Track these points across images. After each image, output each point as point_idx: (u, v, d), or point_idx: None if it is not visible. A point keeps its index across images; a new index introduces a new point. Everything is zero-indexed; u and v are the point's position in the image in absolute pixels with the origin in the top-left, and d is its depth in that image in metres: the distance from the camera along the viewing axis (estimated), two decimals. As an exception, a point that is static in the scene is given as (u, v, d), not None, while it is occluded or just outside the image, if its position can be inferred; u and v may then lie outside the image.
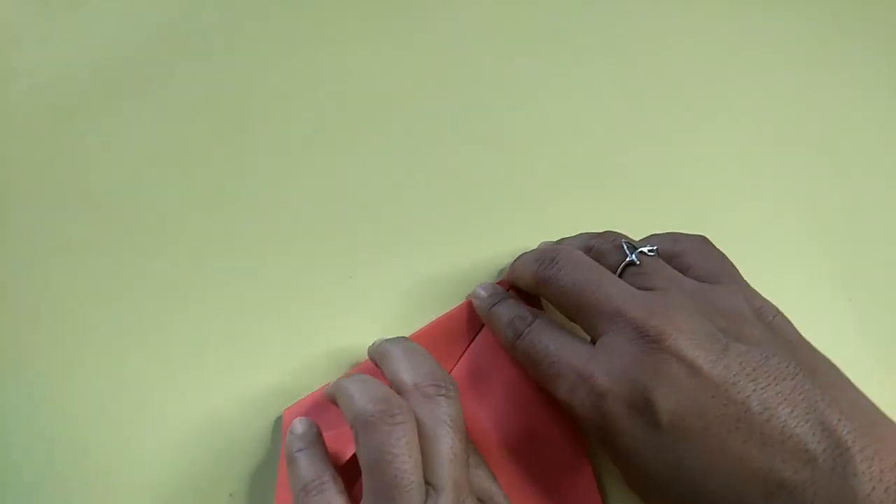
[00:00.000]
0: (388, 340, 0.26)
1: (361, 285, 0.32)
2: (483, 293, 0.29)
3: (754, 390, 0.20)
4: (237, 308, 0.31)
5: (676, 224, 0.33)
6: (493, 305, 0.28)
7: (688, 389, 0.20)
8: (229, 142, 0.38)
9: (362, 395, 0.22)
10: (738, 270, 0.25)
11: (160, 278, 0.32)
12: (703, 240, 0.26)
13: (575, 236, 0.29)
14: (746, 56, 0.42)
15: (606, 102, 0.39)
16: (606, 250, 0.26)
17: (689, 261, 0.25)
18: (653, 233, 0.28)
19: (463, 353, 0.29)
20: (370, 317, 0.31)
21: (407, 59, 0.41)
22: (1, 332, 0.31)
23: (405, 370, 0.23)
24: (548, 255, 0.26)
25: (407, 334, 0.30)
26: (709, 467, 0.19)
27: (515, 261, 0.29)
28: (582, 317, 0.24)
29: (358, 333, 0.30)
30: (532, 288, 0.27)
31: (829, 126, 0.39)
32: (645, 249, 0.25)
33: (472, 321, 0.30)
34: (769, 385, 0.20)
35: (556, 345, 0.24)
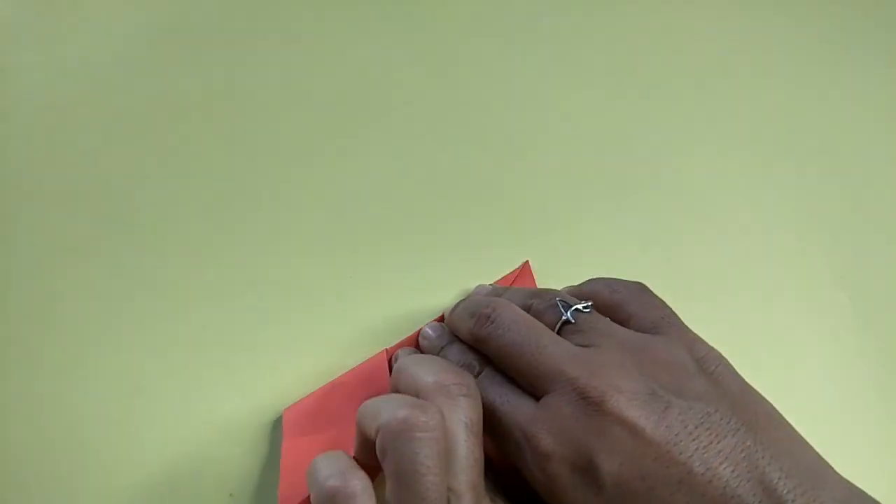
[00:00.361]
0: (397, 362, 0.26)
1: (361, 285, 0.32)
2: (431, 333, 0.28)
3: (696, 450, 0.20)
4: (237, 308, 0.31)
5: (677, 224, 0.33)
6: (441, 349, 0.27)
7: (630, 452, 0.20)
8: (229, 141, 0.38)
9: (391, 401, 0.21)
10: (678, 318, 0.25)
11: (160, 278, 0.32)
12: (641, 288, 0.26)
13: (514, 291, 0.28)
14: (746, 56, 0.42)
15: (606, 103, 0.39)
16: (543, 310, 0.25)
17: (630, 310, 0.25)
18: (594, 279, 0.28)
19: None
20: (370, 316, 0.31)
21: (407, 60, 0.41)
22: (1, 332, 0.31)
23: (425, 371, 0.23)
24: (484, 311, 0.25)
25: (407, 334, 0.30)
26: None
27: (452, 311, 0.28)
28: (524, 378, 0.24)
29: (358, 333, 0.30)
30: (469, 342, 0.26)
31: (829, 126, 0.39)
32: (580, 306, 0.25)
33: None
34: (710, 444, 0.20)
35: (501, 400, 0.23)
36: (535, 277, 0.31)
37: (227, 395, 0.29)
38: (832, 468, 0.21)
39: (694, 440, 0.20)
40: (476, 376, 0.25)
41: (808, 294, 0.32)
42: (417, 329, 0.30)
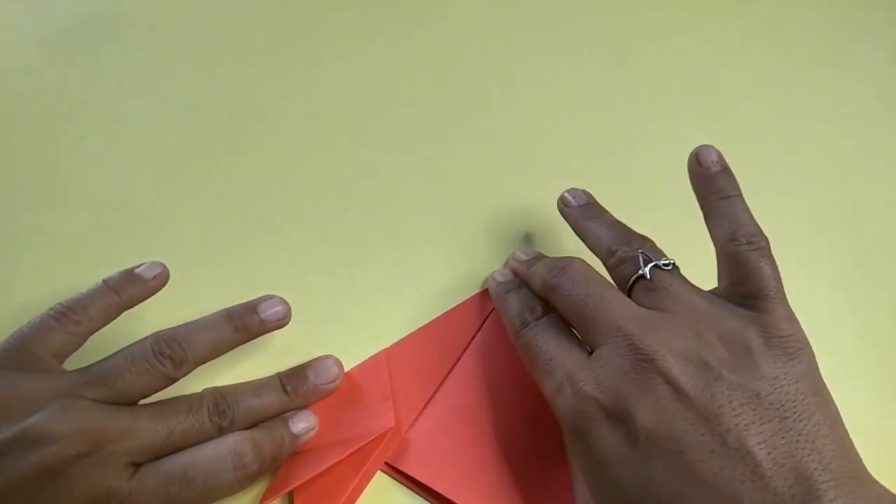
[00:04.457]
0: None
1: (361, 285, 0.32)
2: (500, 278, 0.29)
3: (736, 426, 0.20)
4: (237, 308, 0.31)
5: (676, 223, 0.33)
6: (507, 292, 0.28)
7: (669, 411, 0.20)
8: (229, 142, 0.38)
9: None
10: (782, 294, 0.24)
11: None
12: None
13: (612, 224, 0.28)
14: (746, 57, 0.42)
15: (606, 101, 0.39)
16: (626, 258, 0.26)
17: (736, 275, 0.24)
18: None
19: (467, 347, 0.29)
20: (370, 316, 0.31)
21: (406, 60, 0.41)
22: (1, 332, 0.31)
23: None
24: (559, 264, 0.26)
25: (408, 332, 0.30)
26: (677, 491, 0.20)
27: (529, 263, 0.29)
28: (583, 328, 0.24)
29: (358, 333, 0.30)
30: (540, 292, 0.27)
31: (829, 126, 0.39)
32: (661, 263, 0.25)
33: (474, 317, 0.30)
34: (752, 423, 0.20)
35: (555, 344, 0.24)
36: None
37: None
38: (873, 479, 0.20)
39: (736, 416, 0.20)
40: (537, 319, 0.26)
41: (808, 294, 0.32)
42: (417, 329, 0.30)
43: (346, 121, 0.38)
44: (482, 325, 0.30)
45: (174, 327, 0.26)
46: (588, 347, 0.24)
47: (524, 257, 0.30)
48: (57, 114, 0.39)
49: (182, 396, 0.25)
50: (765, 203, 0.36)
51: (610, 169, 0.36)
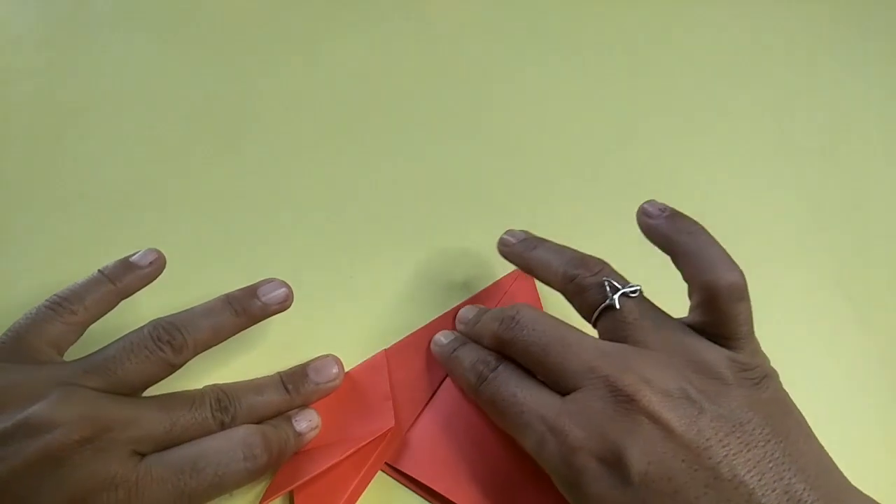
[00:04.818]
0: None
1: (361, 285, 0.32)
2: (443, 340, 0.28)
3: (725, 456, 0.20)
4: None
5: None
6: (454, 351, 0.27)
7: (660, 451, 0.20)
8: (229, 142, 0.38)
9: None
10: (751, 327, 0.24)
11: (160, 279, 0.32)
12: None
13: (559, 249, 0.27)
14: (746, 57, 0.42)
15: (606, 101, 0.39)
16: (588, 286, 0.25)
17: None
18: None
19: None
20: (370, 316, 0.31)
21: (408, 60, 0.41)
22: (1, 332, 0.31)
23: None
24: (507, 313, 0.25)
25: (408, 332, 0.30)
26: None
27: (474, 319, 0.28)
28: (551, 376, 0.23)
29: (358, 333, 0.30)
30: (493, 347, 0.26)
31: (829, 126, 0.39)
32: (629, 290, 0.24)
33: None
34: (740, 452, 0.20)
35: (522, 392, 0.23)
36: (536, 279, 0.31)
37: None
38: (854, 486, 0.21)
39: (724, 447, 0.20)
40: (494, 370, 0.25)
41: (808, 294, 0.32)
42: (417, 329, 0.30)
43: (346, 121, 0.38)
44: None
45: (173, 314, 0.25)
46: (559, 392, 0.23)
47: (468, 316, 0.28)
48: (57, 114, 0.39)
49: (184, 391, 0.25)
50: (765, 203, 0.36)
51: (611, 169, 0.36)
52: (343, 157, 0.37)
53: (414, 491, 0.26)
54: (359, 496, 0.26)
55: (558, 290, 0.26)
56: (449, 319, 0.31)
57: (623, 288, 0.24)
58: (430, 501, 0.26)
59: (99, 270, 0.26)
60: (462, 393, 0.28)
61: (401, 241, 0.34)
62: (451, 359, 0.27)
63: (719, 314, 0.23)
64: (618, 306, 0.24)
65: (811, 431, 0.22)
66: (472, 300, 0.31)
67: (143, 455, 0.22)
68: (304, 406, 0.27)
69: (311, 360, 0.28)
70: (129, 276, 0.27)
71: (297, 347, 0.30)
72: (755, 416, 0.21)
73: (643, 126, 0.38)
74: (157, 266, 0.27)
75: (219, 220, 0.34)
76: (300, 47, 0.42)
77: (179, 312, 0.25)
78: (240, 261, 0.33)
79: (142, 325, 0.25)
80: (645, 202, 0.26)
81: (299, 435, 0.26)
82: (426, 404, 0.28)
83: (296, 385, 0.27)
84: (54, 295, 0.25)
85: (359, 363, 0.29)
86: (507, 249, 0.29)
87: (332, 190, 0.35)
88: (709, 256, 0.24)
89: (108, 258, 0.33)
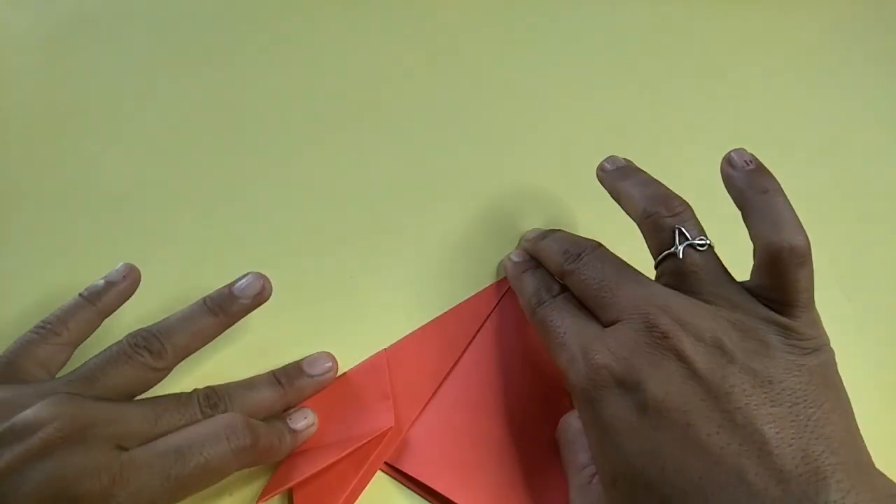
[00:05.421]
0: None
1: (361, 285, 0.32)
2: (515, 258, 0.30)
3: (746, 405, 0.20)
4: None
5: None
6: (524, 272, 0.29)
7: (680, 386, 0.21)
8: (229, 142, 0.38)
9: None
10: (811, 303, 0.23)
11: (160, 278, 0.32)
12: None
13: (647, 182, 0.27)
14: (746, 57, 0.42)
15: (605, 102, 0.39)
16: (662, 227, 0.25)
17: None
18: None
19: (467, 346, 0.30)
20: (370, 316, 0.31)
21: (407, 57, 0.41)
22: (1, 333, 0.31)
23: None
24: (573, 250, 0.27)
25: (408, 332, 0.30)
26: (682, 462, 0.19)
27: (540, 240, 0.29)
28: (599, 310, 0.24)
29: (358, 332, 0.30)
30: (556, 275, 0.28)
31: (829, 126, 0.39)
32: (697, 243, 0.24)
33: (475, 317, 0.30)
34: (762, 405, 0.20)
35: (571, 321, 0.25)
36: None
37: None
38: (879, 470, 0.20)
39: (746, 396, 0.20)
40: (553, 297, 0.26)
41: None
42: (416, 329, 0.30)
43: (345, 119, 0.38)
44: (483, 324, 0.30)
45: (154, 323, 0.26)
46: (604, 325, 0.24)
47: (533, 235, 0.30)
48: (57, 114, 0.39)
49: (172, 393, 0.25)
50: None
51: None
52: (343, 157, 0.37)
53: (414, 491, 0.26)
54: (358, 495, 0.26)
55: (637, 223, 0.27)
56: (449, 319, 0.31)
57: (692, 239, 0.24)
58: (429, 502, 0.26)
59: (79, 294, 0.27)
60: (462, 392, 0.28)
61: (401, 240, 0.34)
62: (519, 278, 0.29)
63: (779, 278, 0.22)
64: (681, 256, 0.24)
65: (851, 411, 0.21)
66: (473, 300, 0.31)
67: (128, 450, 0.23)
68: (300, 406, 0.27)
69: (304, 357, 0.28)
70: (107, 296, 0.27)
71: (296, 348, 0.30)
72: (790, 379, 0.20)
73: (643, 125, 0.38)
74: (131, 279, 0.28)
75: (218, 220, 0.34)
76: (300, 47, 0.42)
77: (160, 320, 0.26)
78: (240, 260, 0.33)
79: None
80: (733, 150, 0.26)
81: (294, 432, 0.26)
82: (426, 404, 0.28)
83: (289, 379, 0.27)
84: (40, 321, 0.26)
85: (359, 363, 0.29)
86: (602, 174, 0.29)
87: (332, 189, 0.35)
88: (777, 217, 0.23)
89: (108, 258, 0.33)
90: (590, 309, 0.25)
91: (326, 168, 0.36)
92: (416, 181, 0.36)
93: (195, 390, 0.25)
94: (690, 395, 0.20)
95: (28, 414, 0.21)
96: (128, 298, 0.28)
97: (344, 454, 0.25)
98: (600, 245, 0.27)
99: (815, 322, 0.23)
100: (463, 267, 0.33)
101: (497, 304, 0.31)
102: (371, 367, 0.29)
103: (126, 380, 0.24)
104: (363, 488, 0.26)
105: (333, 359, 0.28)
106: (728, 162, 0.26)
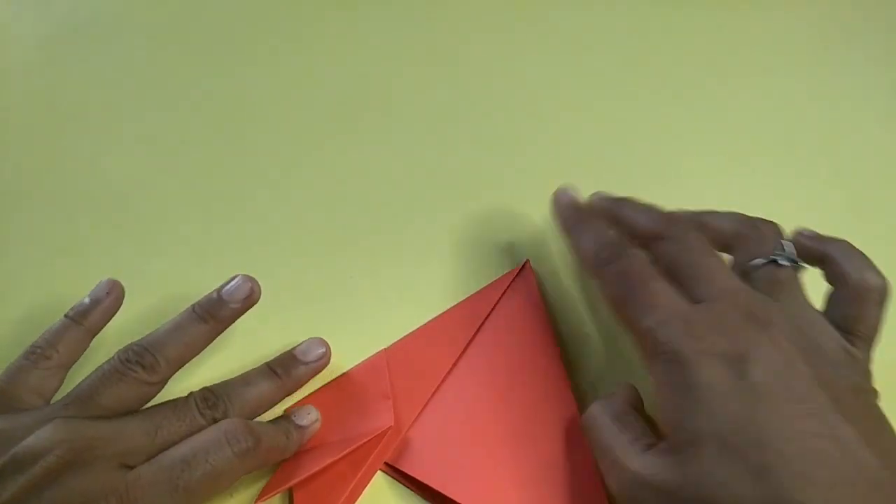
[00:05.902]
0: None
1: (361, 285, 0.32)
2: (566, 198, 0.29)
3: (839, 401, 0.20)
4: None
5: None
6: (582, 220, 0.28)
7: (783, 371, 0.21)
8: (229, 142, 0.38)
9: None
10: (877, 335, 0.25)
11: (160, 279, 0.32)
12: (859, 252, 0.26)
13: (730, 212, 0.28)
14: (746, 57, 0.42)
15: (605, 103, 0.39)
16: (765, 237, 0.26)
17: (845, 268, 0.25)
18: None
19: (467, 346, 0.30)
20: (370, 316, 0.31)
21: (408, 59, 0.41)
22: (1, 333, 0.31)
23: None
24: (606, 251, 0.25)
25: (408, 332, 0.30)
26: (776, 433, 0.19)
27: (634, 206, 0.28)
28: (694, 283, 0.24)
29: (358, 333, 0.30)
30: (643, 235, 0.26)
31: (829, 127, 0.39)
32: (797, 259, 0.25)
33: (475, 316, 0.30)
34: (851, 408, 0.20)
35: (661, 283, 0.23)
36: (536, 277, 0.31)
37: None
38: None
39: (839, 397, 0.20)
40: (628, 250, 0.25)
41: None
42: (416, 329, 0.30)
43: (345, 120, 0.38)
44: (483, 323, 0.30)
45: (143, 336, 0.26)
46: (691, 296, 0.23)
47: (612, 197, 0.29)
48: (57, 113, 0.39)
49: (168, 401, 0.25)
50: (765, 202, 0.36)
51: (611, 168, 0.36)
52: (343, 157, 0.37)
53: (413, 491, 0.26)
54: (358, 495, 0.26)
55: (729, 236, 0.26)
56: (449, 319, 0.31)
57: (793, 255, 0.25)
58: (429, 502, 0.26)
59: (65, 315, 0.27)
60: (462, 391, 0.28)
61: (401, 240, 0.34)
62: (577, 227, 0.28)
63: (859, 310, 0.24)
64: (783, 264, 0.25)
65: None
66: (473, 299, 0.31)
67: (133, 468, 0.22)
68: (302, 403, 0.27)
69: (296, 345, 0.28)
70: (93, 315, 0.27)
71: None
72: (861, 396, 0.22)
73: (643, 125, 0.38)
74: (115, 294, 0.27)
75: (218, 220, 0.34)
76: (299, 47, 0.42)
77: (150, 333, 0.26)
78: (239, 260, 0.33)
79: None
80: (802, 233, 0.27)
81: (300, 427, 0.26)
82: (426, 404, 0.28)
83: (285, 368, 0.27)
84: (29, 345, 0.26)
85: (359, 363, 0.29)
86: (676, 215, 0.28)
87: (332, 189, 0.35)
88: (863, 259, 0.25)
89: (108, 258, 0.33)
90: (680, 279, 0.24)
91: (326, 168, 0.36)
92: (416, 181, 0.36)
93: (191, 393, 0.25)
94: (792, 375, 0.20)
95: (28, 443, 0.21)
96: (114, 315, 0.28)
97: (344, 454, 0.25)
98: (631, 250, 0.26)
99: (869, 359, 0.24)
100: (463, 267, 0.33)
101: (497, 302, 0.31)
102: (371, 366, 0.29)
103: (121, 397, 0.24)
104: (363, 488, 0.26)
105: (326, 344, 0.28)
106: (801, 234, 0.27)
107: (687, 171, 0.36)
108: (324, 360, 0.28)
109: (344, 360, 0.29)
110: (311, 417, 0.26)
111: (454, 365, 0.29)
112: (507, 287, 0.31)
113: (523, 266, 0.32)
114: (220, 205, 0.35)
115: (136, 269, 0.32)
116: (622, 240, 0.26)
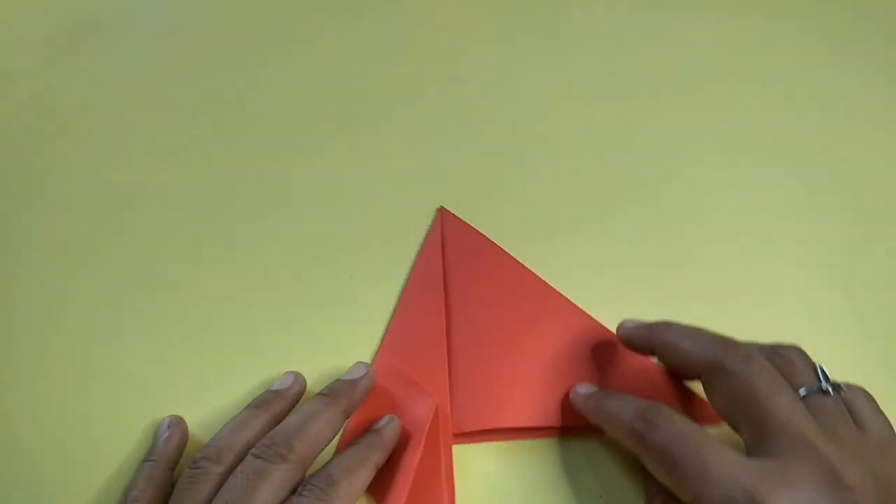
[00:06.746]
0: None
1: (361, 285, 0.32)
2: (583, 391, 0.27)
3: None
4: (237, 308, 0.31)
5: (677, 226, 0.33)
6: (604, 398, 0.26)
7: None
8: (229, 142, 0.38)
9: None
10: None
11: (160, 279, 0.32)
12: (866, 392, 0.25)
13: (758, 346, 0.25)
14: (746, 58, 0.42)
15: (605, 104, 0.39)
16: (801, 366, 0.24)
17: (864, 415, 0.24)
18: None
19: (447, 297, 0.31)
20: (370, 317, 0.31)
21: (407, 60, 0.41)
22: (1, 332, 0.31)
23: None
24: (642, 413, 0.24)
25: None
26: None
27: (603, 401, 0.26)
28: (752, 425, 0.22)
29: (357, 333, 0.30)
30: (625, 440, 0.24)
31: (829, 126, 0.39)
32: (840, 383, 0.24)
33: (434, 268, 0.32)
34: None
35: (710, 448, 0.21)
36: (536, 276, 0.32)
37: (228, 395, 0.29)
38: None
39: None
40: (661, 413, 0.23)
41: (807, 294, 0.32)
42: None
43: (346, 120, 0.38)
44: (446, 277, 0.31)
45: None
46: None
47: (586, 391, 0.27)
48: (57, 114, 0.39)
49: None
50: (765, 202, 0.36)
51: (610, 168, 0.36)
52: (342, 157, 0.37)
53: (488, 440, 0.27)
54: (452, 478, 0.26)
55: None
56: (414, 288, 0.31)
57: (832, 379, 0.24)
58: (502, 440, 0.27)
59: (143, 460, 0.26)
60: (470, 336, 0.29)
61: (401, 240, 0.34)
62: (603, 404, 0.25)
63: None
64: (832, 392, 0.23)
65: None
66: (419, 265, 0.32)
67: None
68: (348, 412, 0.27)
69: (344, 372, 0.28)
70: (167, 446, 0.27)
71: (296, 347, 0.30)
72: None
73: (642, 125, 0.38)
74: (180, 430, 0.27)
75: (218, 221, 0.34)
76: (300, 48, 0.42)
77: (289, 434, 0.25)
78: (239, 260, 0.33)
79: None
80: None
81: (378, 432, 0.26)
82: (448, 369, 0.28)
83: (331, 389, 0.27)
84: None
85: (358, 363, 0.29)
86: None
87: (332, 190, 0.35)
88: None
89: (108, 258, 0.33)
90: (742, 427, 0.23)
91: (327, 168, 0.36)
92: (416, 181, 0.36)
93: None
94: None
95: None
96: (184, 446, 0.27)
97: (419, 453, 0.25)
98: (666, 410, 0.24)
99: None
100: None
101: (444, 251, 0.32)
102: (382, 371, 0.29)
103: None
104: (452, 470, 0.26)
105: (366, 364, 0.28)
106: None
107: (687, 174, 0.36)
108: (370, 377, 0.28)
109: (344, 360, 0.29)
110: (383, 420, 0.26)
111: (448, 326, 0.30)
112: (445, 229, 0.33)
113: (439, 214, 0.34)
114: (220, 205, 0.35)
115: (137, 270, 0.32)
116: (646, 402, 0.24)
